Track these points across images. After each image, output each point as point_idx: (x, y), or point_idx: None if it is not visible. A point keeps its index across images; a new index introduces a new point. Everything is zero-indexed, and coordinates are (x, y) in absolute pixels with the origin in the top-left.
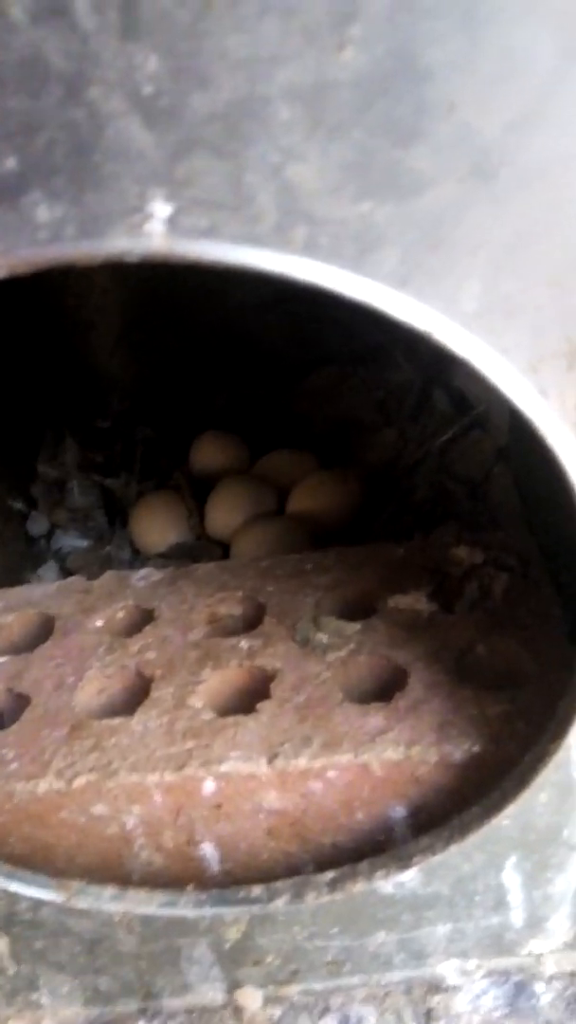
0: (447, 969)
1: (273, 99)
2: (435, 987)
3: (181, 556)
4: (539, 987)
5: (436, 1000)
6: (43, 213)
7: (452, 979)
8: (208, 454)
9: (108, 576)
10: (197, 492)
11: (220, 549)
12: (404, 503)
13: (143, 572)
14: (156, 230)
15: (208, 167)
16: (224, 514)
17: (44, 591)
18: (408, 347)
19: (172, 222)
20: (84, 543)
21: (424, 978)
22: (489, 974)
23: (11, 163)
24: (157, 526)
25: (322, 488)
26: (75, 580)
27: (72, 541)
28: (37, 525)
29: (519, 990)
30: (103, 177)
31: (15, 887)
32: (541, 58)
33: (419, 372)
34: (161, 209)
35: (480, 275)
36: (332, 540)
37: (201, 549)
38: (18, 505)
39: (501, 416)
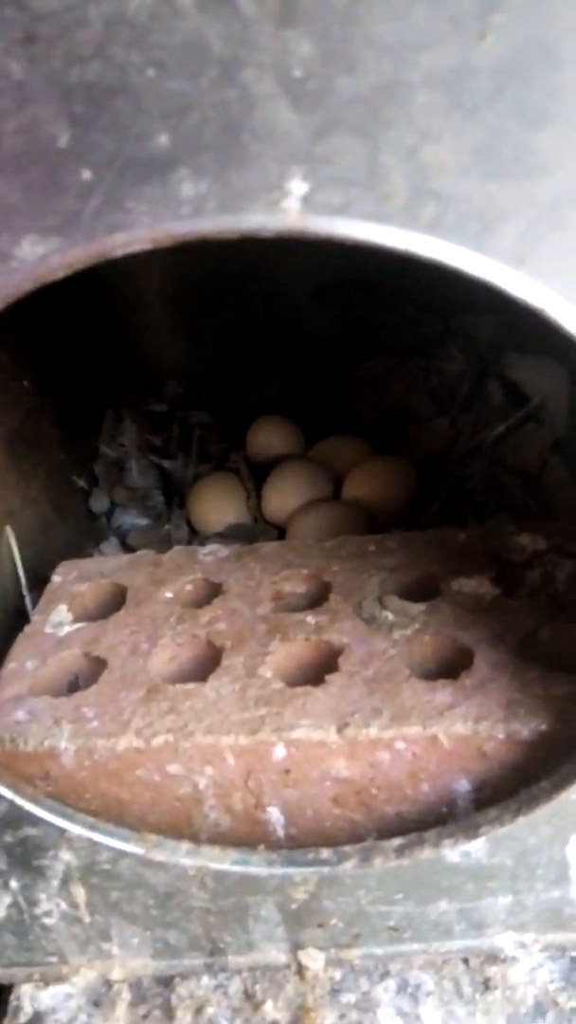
0: (505, 941)
1: (415, 83)
2: (493, 958)
3: (238, 537)
4: None
5: (493, 971)
6: (188, 189)
7: (510, 951)
8: (264, 438)
9: (176, 550)
10: (253, 475)
11: (276, 531)
12: (457, 493)
13: (210, 547)
14: (292, 207)
15: (347, 147)
16: (281, 497)
17: (116, 563)
18: (463, 338)
19: (307, 199)
20: (143, 521)
21: (482, 948)
22: (546, 948)
23: (163, 140)
24: (215, 507)
25: (378, 475)
26: (145, 553)
27: (132, 519)
28: (99, 502)
29: (575, 965)
30: (247, 156)
31: (98, 838)
32: None
33: (473, 363)
34: (298, 187)
35: None
36: (387, 526)
37: (258, 531)
38: (81, 483)
39: (558, 408)
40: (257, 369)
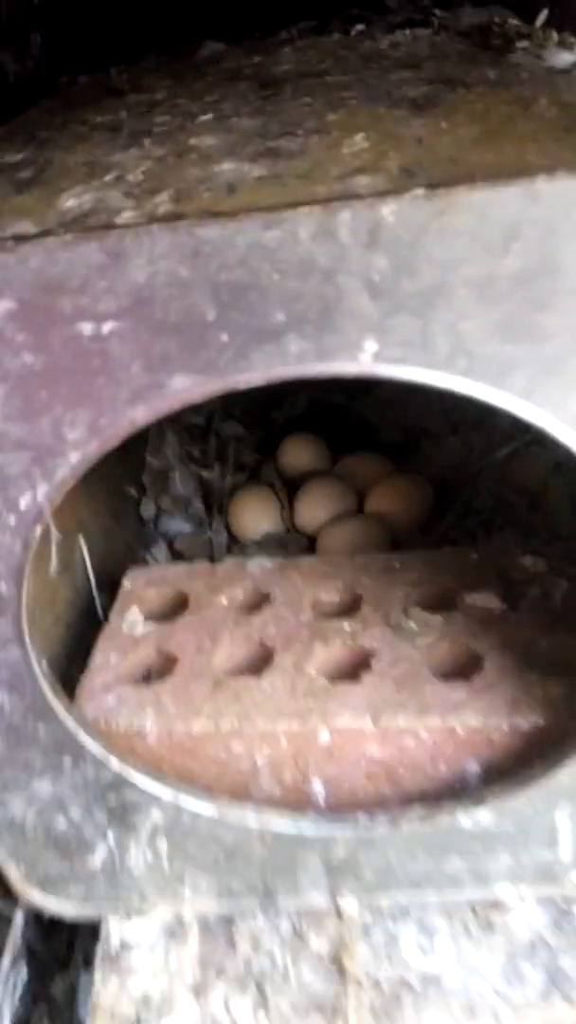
0: (506, 892)
1: (456, 284)
2: (495, 906)
3: (273, 544)
4: None
5: (495, 916)
6: (294, 347)
7: (509, 900)
8: (295, 454)
9: (228, 562)
10: (286, 488)
11: (307, 540)
12: (467, 509)
13: (258, 561)
14: (366, 359)
15: (406, 323)
16: (312, 510)
17: (177, 571)
18: None
19: (376, 354)
20: (187, 527)
21: (487, 898)
22: (539, 899)
23: (280, 317)
24: (252, 517)
25: (397, 491)
26: (202, 564)
27: (177, 525)
28: (147, 509)
29: (563, 913)
30: (337, 327)
31: (181, 801)
32: None
33: None
34: (370, 346)
35: None
36: (406, 539)
37: (291, 540)
38: (131, 491)
39: None
40: (284, 387)
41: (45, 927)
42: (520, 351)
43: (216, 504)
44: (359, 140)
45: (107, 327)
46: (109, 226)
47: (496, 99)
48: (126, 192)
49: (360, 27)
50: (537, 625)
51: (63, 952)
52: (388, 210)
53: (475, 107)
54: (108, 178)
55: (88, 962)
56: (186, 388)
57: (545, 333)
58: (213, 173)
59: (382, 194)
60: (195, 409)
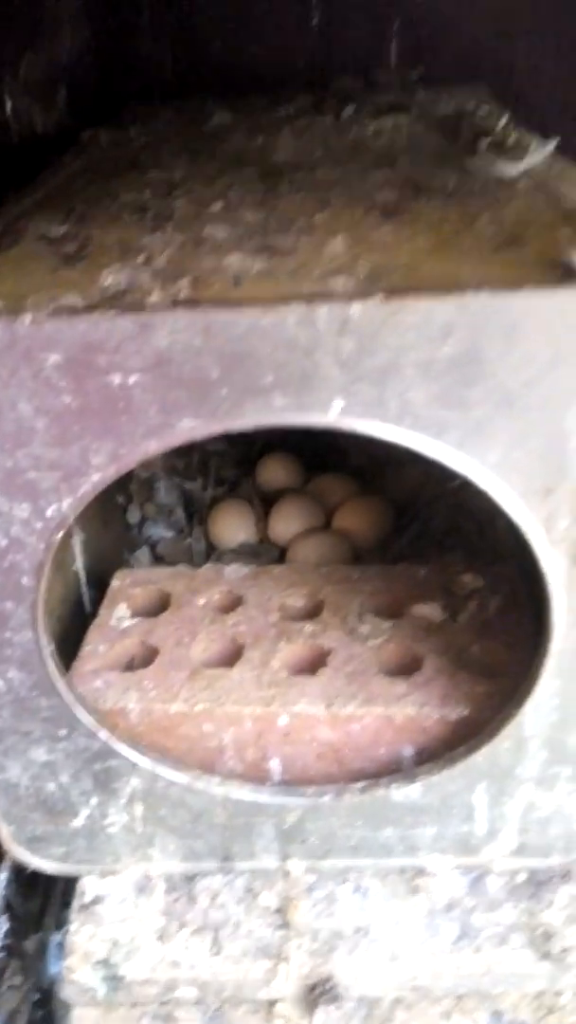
0: (430, 861)
1: (405, 364)
2: (421, 872)
3: (248, 553)
4: (491, 879)
5: (420, 881)
6: (279, 402)
7: (433, 868)
8: (271, 471)
9: (207, 567)
10: (262, 502)
11: (278, 551)
12: (422, 530)
13: (233, 567)
14: (334, 414)
15: (366, 389)
16: (284, 524)
17: (161, 573)
18: None
19: (343, 410)
20: (169, 533)
21: (415, 865)
22: (458, 867)
23: (269, 378)
24: (230, 527)
25: (361, 511)
26: (183, 567)
27: (160, 531)
28: (132, 515)
29: (477, 880)
30: (313, 389)
31: (158, 770)
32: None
33: None
34: (338, 404)
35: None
36: (367, 554)
37: (263, 550)
38: (119, 498)
39: None
40: None
41: (24, 886)
42: (453, 415)
43: (197, 513)
44: (338, 242)
45: (132, 379)
46: (141, 306)
47: (449, 211)
48: (153, 274)
49: (350, 109)
50: (472, 633)
51: (36, 913)
52: (355, 308)
53: (432, 217)
54: (139, 260)
55: (59, 925)
56: (191, 428)
57: (471, 403)
58: (222, 265)
59: (351, 296)
60: None
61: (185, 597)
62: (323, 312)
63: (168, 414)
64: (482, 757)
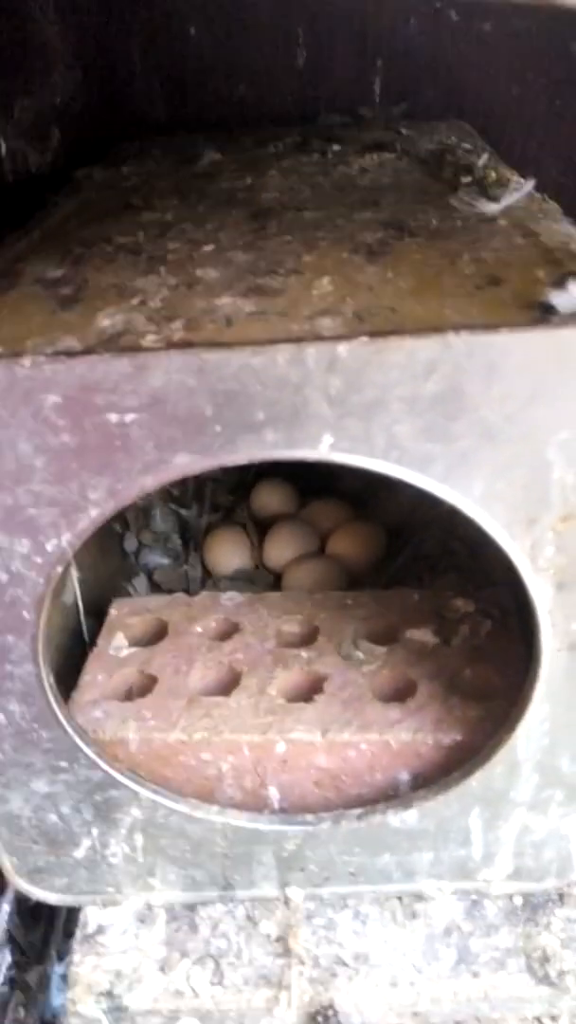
0: (427, 886)
1: (391, 400)
2: (419, 897)
3: (243, 580)
4: (488, 904)
5: (418, 906)
6: (270, 437)
7: (430, 893)
8: (265, 498)
9: (204, 595)
10: (257, 529)
11: (273, 577)
12: (415, 554)
13: (229, 594)
14: (324, 449)
15: (354, 424)
16: (279, 550)
17: (157, 602)
18: None
19: (332, 445)
20: (165, 561)
21: (412, 890)
22: (455, 891)
23: (260, 415)
24: (225, 554)
25: (355, 535)
26: (179, 596)
27: (156, 558)
28: (129, 543)
29: (474, 904)
30: (303, 425)
31: (158, 799)
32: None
33: None
34: (327, 439)
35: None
36: (361, 579)
37: (259, 576)
38: (116, 526)
39: None
40: None
41: (27, 919)
42: (437, 448)
43: (192, 541)
44: (325, 283)
45: (129, 417)
46: (137, 348)
47: (431, 251)
48: (148, 317)
49: (336, 148)
50: (464, 657)
51: (39, 944)
52: (343, 348)
53: (414, 257)
54: (134, 302)
55: (62, 956)
56: (187, 464)
57: (454, 436)
58: (214, 306)
59: (338, 337)
60: None
61: (182, 625)
62: (312, 352)
63: (163, 451)
64: (476, 781)
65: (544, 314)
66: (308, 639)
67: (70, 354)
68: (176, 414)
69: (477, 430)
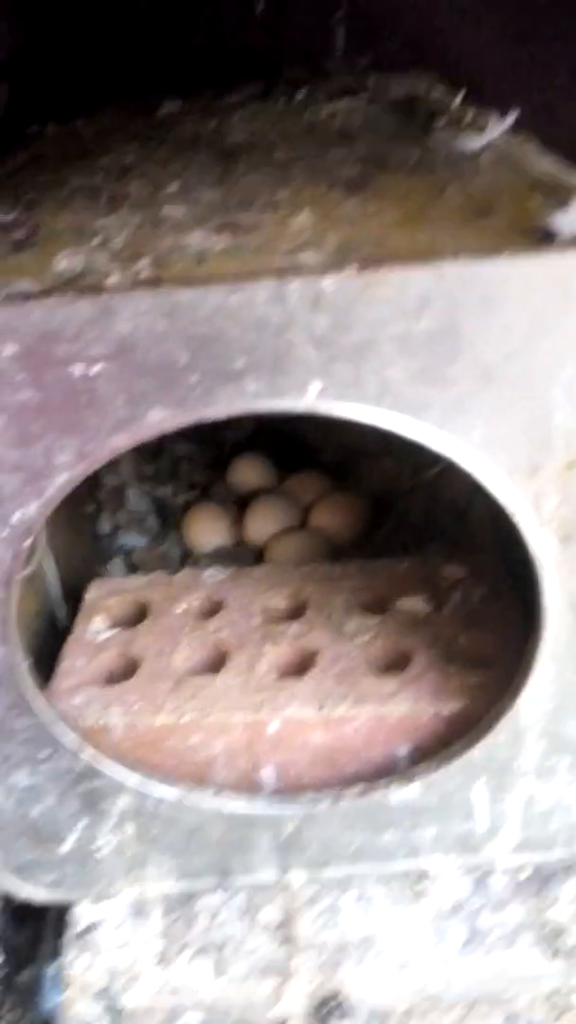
0: (432, 862)
1: (382, 340)
2: (424, 875)
3: (224, 557)
4: (495, 878)
5: (425, 884)
6: (252, 386)
7: (436, 870)
8: (243, 473)
9: (184, 573)
10: (236, 505)
11: (255, 554)
12: (400, 523)
13: (211, 571)
14: (311, 398)
15: (343, 369)
16: (259, 525)
17: (136, 582)
18: None
19: (320, 393)
20: (143, 542)
21: (417, 868)
22: (461, 867)
23: (240, 362)
24: (204, 531)
25: (337, 507)
26: (159, 575)
27: (132, 540)
28: (103, 525)
29: (481, 880)
30: (287, 371)
31: (147, 788)
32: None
33: None
34: (315, 387)
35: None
36: (345, 551)
37: (240, 553)
38: (89, 507)
39: None
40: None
41: (15, 917)
42: (433, 392)
43: (170, 519)
44: (304, 218)
45: (95, 369)
46: (99, 288)
47: (415, 184)
48: (111, 257)
49: (302, 94)
50: (458, 625)
51: (30, 944)
52: (328, 282)
53: (397, 190)
54: (95, 243)
55: (54, 955)
56: (161, 420)
57: (451, 379)
58: (184, 244)
59: (323, 269)
60: None
61: (163, 605)
62: (295, 288)
63: (136, 405)
64: (479, 752)
65: (544, 239)
66: (296, 613)
67: (26, 297)
68: (147, 364)
69: (475, 371)
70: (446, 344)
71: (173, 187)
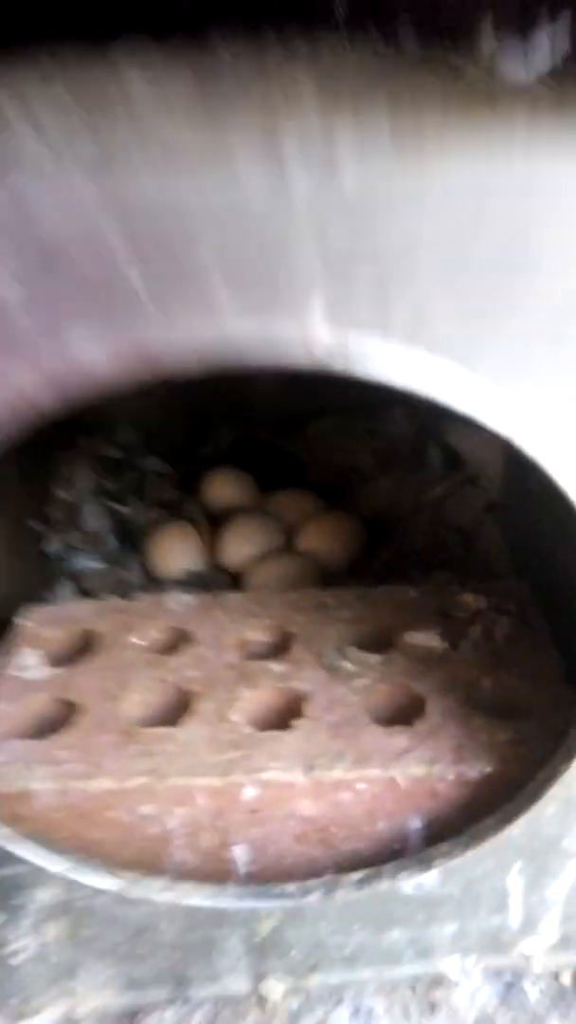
0: (449, 966)
1: (419, 250)
2: (437, 982)
3: (195, 584)
4: (528, 985)
5: (438, 994)
6: (229, 312)
7: (453, 975)
8: (219, 489)
9: (143, 598)
10: (209, 524)
11: (231, 580)
12: (401, 548)
13: (176, 596)
14: (312, 322)
15: (360, 289)
16: (237, 547)
17: (83, 608)
18: (404, 404)
19: (325, 315)
20: (98, 565)
21: (429, 974)
22: (485, 971)
23: (212, 270)
24: (172, 554)
25: (328, 529)
26: (110, 600)
27: (86, 562)
28: (52, 545)
29: (510, 987)
30: (278, 288)
31: (76, 876)
32: None
33: (415, 426)
34: (316, 306)
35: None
36: (336, 578)
37: (214, 579)
38: (36, 525)
39: (492, 473)
40: (208, 420)
41: None
42: (487, 330)
43: (132, 541)
44: (311, 87)
45: (8, 291)
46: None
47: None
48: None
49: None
50: (480, 665)
51: None
52: (345, 152)
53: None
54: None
55: None
56: (102, 367)
57: (514, 307)
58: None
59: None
60: (111, 442)
61: (115, 636)
62: (292, 151)
63: (64, 345)
64: (519, 829)
65: None
66: (280, 649)
67: None
68: (81, 281)
69: (550, 301)
70: (509, 256)
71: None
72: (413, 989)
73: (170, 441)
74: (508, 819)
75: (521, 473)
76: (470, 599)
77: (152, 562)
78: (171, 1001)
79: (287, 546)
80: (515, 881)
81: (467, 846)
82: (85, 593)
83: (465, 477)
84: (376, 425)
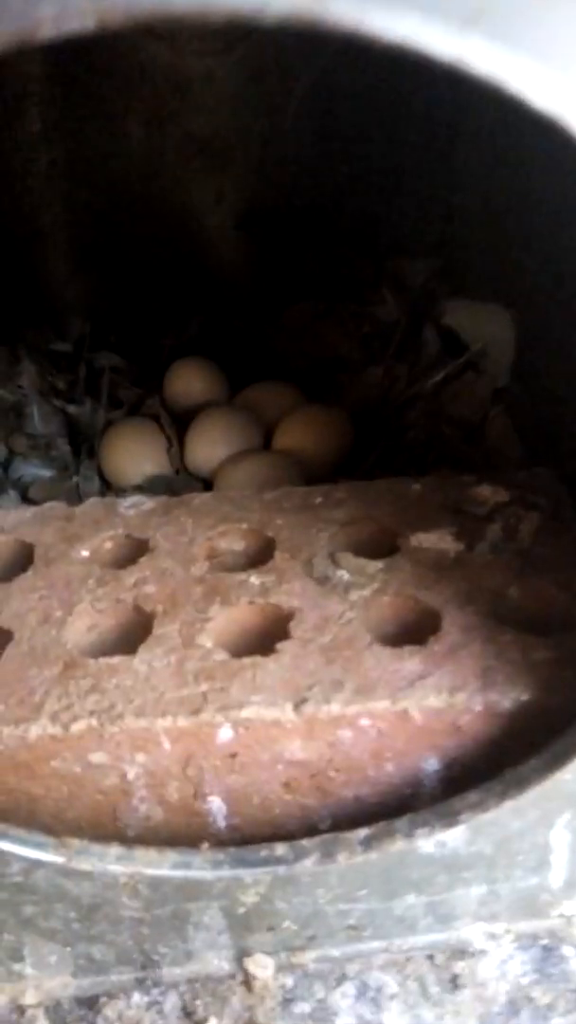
0: (473, 933)
1: None
2: (460, 952)
3: (159, 489)
4: (568, 950)
5: (461, 966)
6: None
7: (478, 943)
8: (184, 383)
9: (92, 502)
10: (173, 423)
11: (201, 484)
12: (394, 444)
13: (132, 499)
14: None
15: None
16: (207, 447)
17: (19, 517)
18: (395, 282)
19: None
20: (47, 472)
21: (449, 943)
22: (517, 938)
23: None
24: (132, 457)
25: (311, 424)
26: (55, 505)
27: (34, 470)
28: None
29: (547, 954)
30: None
31: (7, 846)
32: None
33: (406, 308)
34: None
35: None
36: (322, 481)
37: (181, 483)
38: None
39: (501, 356)
40: (171, 308)
41: None
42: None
43: (86, 445)
44: None
45: None
46: None
47: None
48: None
49: None
50: (503, 569)
51: None
52: None
53: None
54: None
55: None
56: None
57: None
58: None
59: None
60: (60, 334)
61: (57, 549)
62: None
63: None
64: (572, 773)
65: None
66: (260, 557)
67: None
68: None
69: None
70: None
71: None
72: (430, 960)
73: (129, 332)
74: (560, 761)
75: (536, 352)
76: (487, 492)
77: (109, 468)
78: (139, 982)
79: (264, 446)
80: (561, 835)
81: (504, 796)
82: (32, 504)
83: (466, 363)
84: (362, 308)
